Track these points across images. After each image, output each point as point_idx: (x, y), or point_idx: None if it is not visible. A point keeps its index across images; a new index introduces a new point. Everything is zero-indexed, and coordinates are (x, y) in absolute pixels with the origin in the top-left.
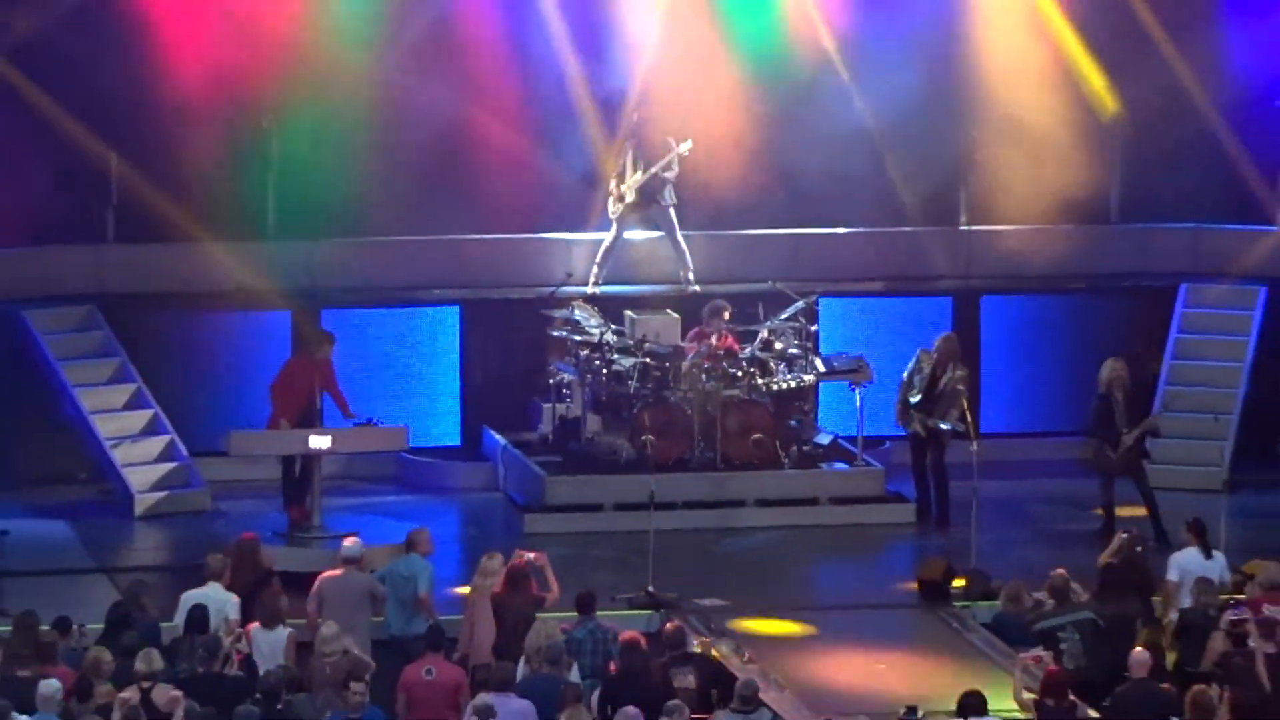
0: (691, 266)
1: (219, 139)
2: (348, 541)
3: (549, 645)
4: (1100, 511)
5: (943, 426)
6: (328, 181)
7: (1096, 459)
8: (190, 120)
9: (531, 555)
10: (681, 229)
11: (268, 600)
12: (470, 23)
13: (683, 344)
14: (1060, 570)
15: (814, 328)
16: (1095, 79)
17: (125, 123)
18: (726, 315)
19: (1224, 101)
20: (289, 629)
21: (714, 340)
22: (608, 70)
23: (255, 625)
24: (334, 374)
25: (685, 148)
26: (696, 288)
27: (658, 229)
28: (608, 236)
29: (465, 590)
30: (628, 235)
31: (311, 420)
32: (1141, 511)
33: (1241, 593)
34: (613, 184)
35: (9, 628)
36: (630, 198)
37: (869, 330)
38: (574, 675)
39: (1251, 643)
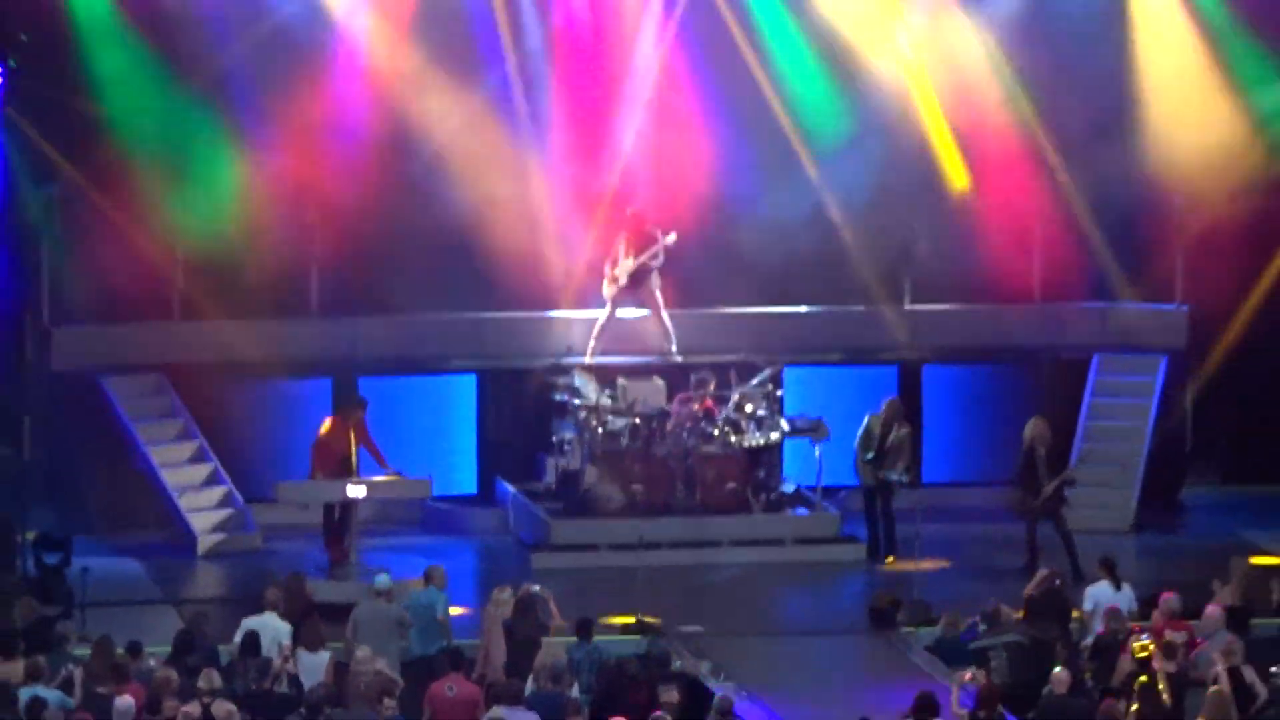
0: (675, 340)
1: (270, 229)
2: (379, 576)
3: (552, 664)
4: (1026, 551)
5: (891, 477)
6: (365, 266)
7: (1021, 505)
8: (245, 212)
9: (537, 588)
10: (670, 309)
11: (311, 627)
12: (483, 132)
13: (668, 407)
14: (994, 599)
15: (779, 393)
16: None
17: (188, 214)
18: (711, 385)
19: (1131, 198)
20: (329, 652)
21: (695, 405)
22: (600, 173)
23: (301, 648)
24: (368, 433)
25: (670, 239)
26: (679, 358)
27: (645, 308)
28: (602, 314)
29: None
30: (620, 313)
31: (346, 473)
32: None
33: (1147, 620)
34: (607, 268)
35: (89, 651)
36: (622, 281)
37: (827, 395)
38: (574, 691)
39: (1155, 663)
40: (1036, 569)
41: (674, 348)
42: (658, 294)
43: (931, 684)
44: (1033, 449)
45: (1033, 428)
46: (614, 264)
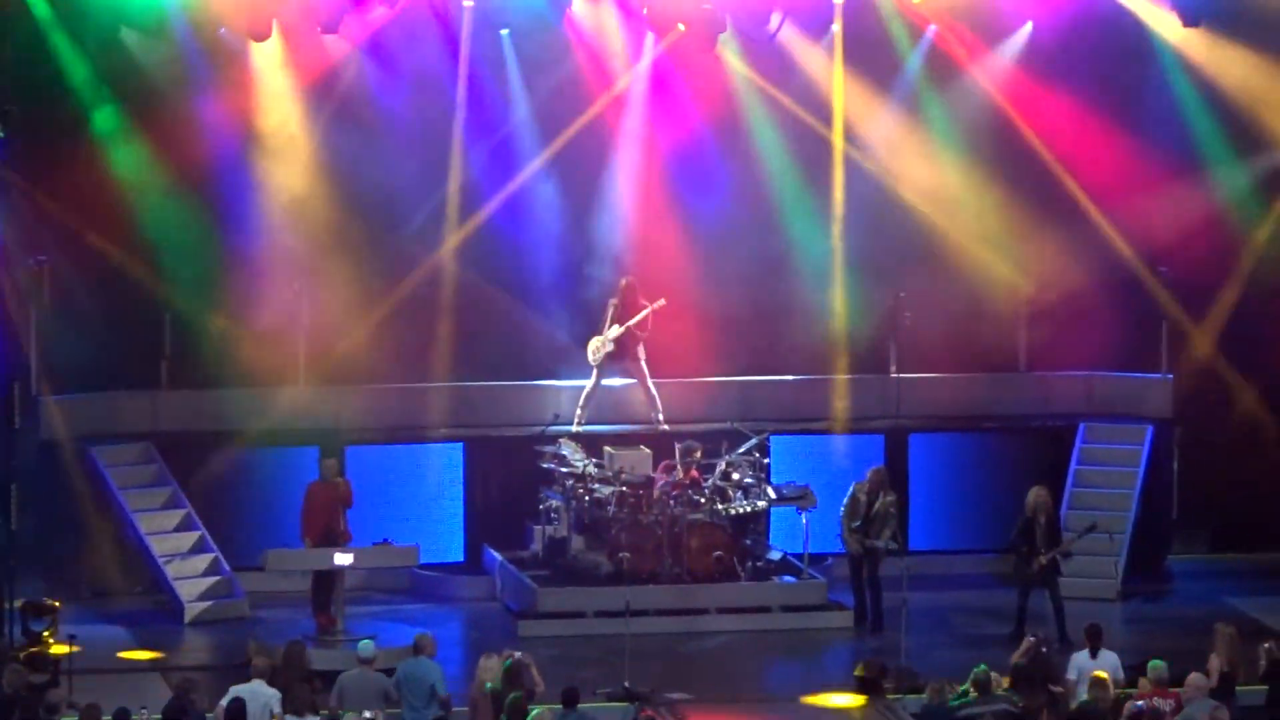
0: (661, 409)
1: (256, 300)
2: (363, 643)
3: None
4: (1016, 618)
5: (878, 545)
6: (351, 337)
7: (1017, 571)
8: (231, 285)
9: (519, 654)
10: (656, 378)
11: (299, 692)
12: (468, 205)
13: (654, 475)
14: (984, 666)
15: (766, 461)
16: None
17: (175, 285)
18: (698, 454)
19: (1115, 269)
20: (318, 718)
21: (681, 473)
22: (590, 249)
23: (290, 715)
24: (350, 498)
25: (659, 304)
26: (665, 427)
27: (631, 377)
28: (589, 383)
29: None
30: (606, 382)
31: (334, 537)
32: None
33: (1134, 687)
34: (594, 338)
35: (77, 718)
36: (608, 348)
37: (813, 463)
38: None
39: None
40: (1023, 636)
41: (660, 416)
42: (643, 363)
43: None
44: (1034, 516)
45: (1035, 496)
46: (600, 331)
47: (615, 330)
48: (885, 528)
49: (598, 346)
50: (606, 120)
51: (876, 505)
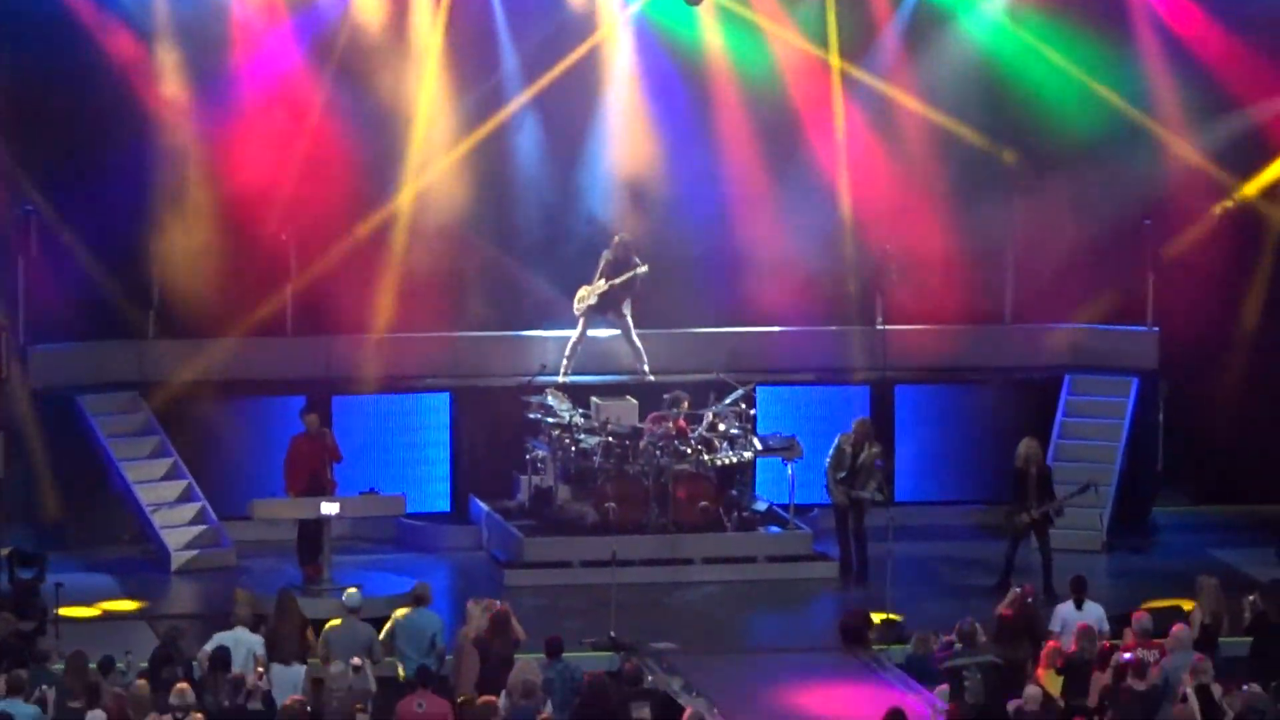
0: (646, 360)
1: (244, 249)
2: (349, 593)
3: (524, 681)
4: (1003, 568)
5: (864, 495)
6: (339, 286)
7: (1006, 522)
8: (219, 232)
9: (498, 604)
10: (642, 329)
11: (287, 642)
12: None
13: (641, 425)
14: (969, 618)
15: (752, 412)
16: None
17: (164, 234)
18: (685, 405)
19: (1102, 220)
20: (305, 666)
21: (669, 424)
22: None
23: (275, 662)
24: (336, 448)
25: (642, 270)
26: (651, 378)
27: (616, 329)
28: (574, 333)
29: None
30: (592, 333)
31: (320, 487)
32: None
33: (1119, 639)
34: (582, 289)
35: (63, 666)
36: (591, 300)
37: (799, 414)
38: (548, 709)
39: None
40: (1009, 587)
41: (645, 367)
42: (628, 316)
43: (902, 702)
44: (1025, 469)
45: (1025, 448)
46: (590, 283)
47: (601, 285)
48: (870, 479)
49: (583, 296)
50: (592, 65)
51: (862, 456)
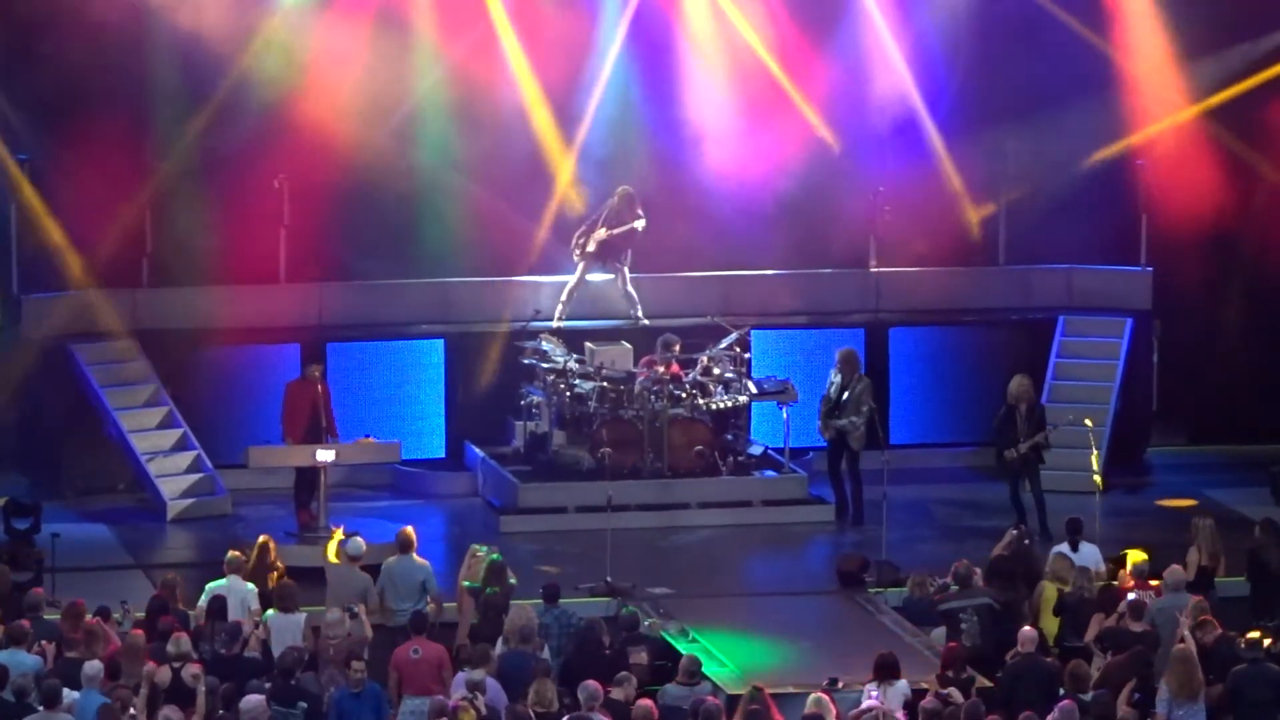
0: (639, 307)
1: (237, 197)
2: (353, 540)
3: (522, 626)
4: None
5: (842, 423)
6: (331, 233)
7: (999, 462)
8: (212, 181)
9: (483, 550)
10: (637, 273)
11: (285, 588)
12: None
13: (635, 370)
14: (964, 560)
15: (747, 355)
16: None
17: (157, 182)
18: (677, 348)
19: (1095, 160)
20: (304, 614)
21: (662, 368)
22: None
23: (273, 610)
24: (329, 397)
25: (641, 225)
26: (645, 322)
27: (612, 274)
28: (571, 279)
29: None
30: (589, 278)
31: (316, 435)
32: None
33: (1115, 579)
34: (580, 234)
35: (60, 616)
36: (590, 248)
37: (794, 357)
38: (544, 654)
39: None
40: (1025, 526)
41: (638, 312)
42: (626, 266)
43: (899, 643)
44: (1015, 406)
45: (1016, 385)
46: (589, 230)
47: (600, 234)
48: (857, 410)
49: (581, 242)
50: (586, 11)
51: (848, 392)
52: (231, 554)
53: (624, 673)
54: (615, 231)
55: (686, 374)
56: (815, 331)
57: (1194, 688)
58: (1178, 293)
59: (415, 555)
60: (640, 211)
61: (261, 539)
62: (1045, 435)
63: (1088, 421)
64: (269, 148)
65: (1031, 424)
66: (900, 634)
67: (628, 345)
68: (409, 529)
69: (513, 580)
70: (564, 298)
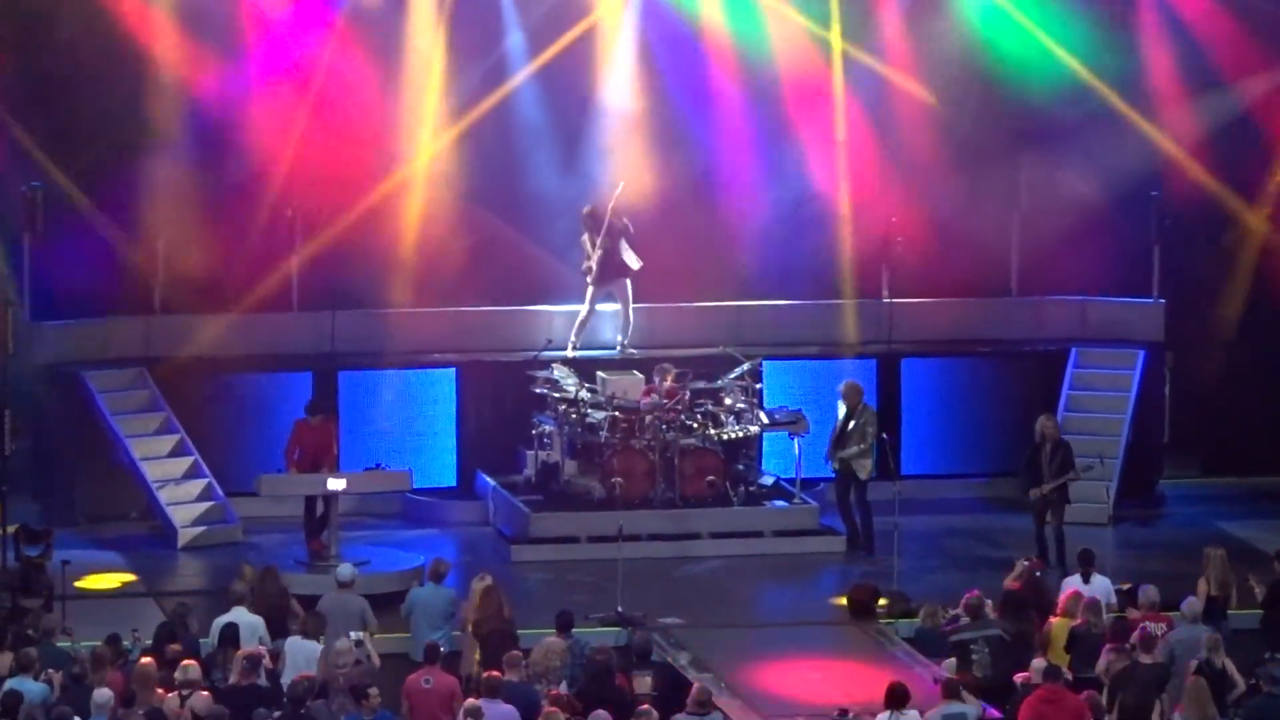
0: (627, 335)
1: (250, 225)
2: (342, 568)
3: (547, 668)
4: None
5: (847, 454)
6: (345, 260)
7: (1027, 499)
8: (226, 210)
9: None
10: (650, 303)
11: (310, 617)
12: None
13: (638, 400)
14: (977, 591)
15: (759, 386)
16: None
17: (170, 210)
18: (670, 375)
19: (1108, 192)
20: (320, 642)
21: (656, 395)
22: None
23: (294, 636)
24: (333, 437)
25: (619, 189)
26: (634, 352)
27: (615, 300)
28: (583, 308)
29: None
30: (600, 307)
31: (323, 467)
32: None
33: (1125, 612)
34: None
35: (69, 644)
36: (596, 271)
37: (805, 388)
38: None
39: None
40: (1038, 559)
41: (625, 339)
42: (629, 287)
43: (909, 675)
44: (1041, 444)
45: (1044, 424)
46: (586, 258)
47: (597, 254)
48: (860, 441)
49: (587, 269)
50: (594, 40)
51: (853, 423)
52: (236, 585)
53: (644, 706)
54: (599, 238)
55: (699, 404)
56: (827, 362)
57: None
58: (1190, 324)
59: (443, 586)
60: (611, 207)
61: (263, 567)
62: (1075, 474)
63: (1098, 464)
64: (281, 176)
65: (1056, 462)
66: (911, 665)
67: (639, 375)
68: (444, 561)
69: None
70: (576, 327)
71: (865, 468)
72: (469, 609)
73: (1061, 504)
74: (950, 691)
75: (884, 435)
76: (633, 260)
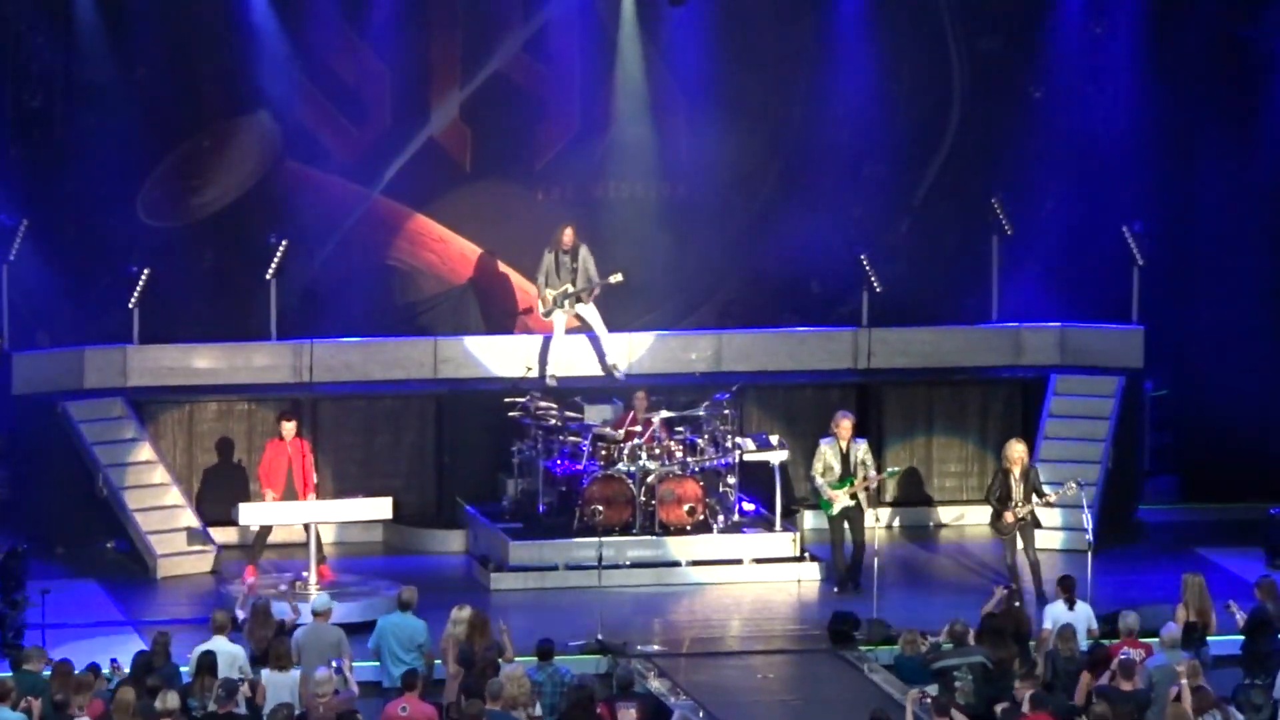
0: (615, 356)
1: (227, 254)
2: (317, 596)
3: (516, 695)
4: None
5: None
6: (322, 289)
7: (992, 525)
8: (204, 238)
9: (502, 625)
10: (630, 330)
11: (281, 647)
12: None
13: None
14: (960, 619)
15: (738, 413)
16: None
17: (149, 241)
18: (644, 402)
19: (1087, 220)
20: (297, 671)
21: (634, 418)
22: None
23: (268, 668)
24: (306, 455)
25: (616, 279)
26: (620, 375)
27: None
28: (555, 336)
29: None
30: (579, 336)
31: (294, 495)
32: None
33: (1106, 638)
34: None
35: (50, 673)
36: (561, 301)
37: (785, 415)
38: (536, 713)
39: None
40: (1019, 588)
41: (614, 363)
42: (596, 312)
43: (889, 703)
44: (1009, 469)
45: (1013, 449)
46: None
47: (567, 288)
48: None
49: (552, 298)
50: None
51: (853, 457)
52: (218, 614)
53: None
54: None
55: (678, 431)
56: (807, 389)
57: None
58: (1169, 351)
59: (412, 615)
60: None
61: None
62: (1045, 501)
63: (1073, 486)
64: (262, 204)
65: (1025, 488)
66: (890, 692)
67: (619, 403)
68: (412, 589)
69: (507, 653)
70: (552, 355)
71: (869, 498)
72: (450, 639)
73: (1031, 530)
74: (941, 711)
75: (894, 469)
76: (611, 276)
